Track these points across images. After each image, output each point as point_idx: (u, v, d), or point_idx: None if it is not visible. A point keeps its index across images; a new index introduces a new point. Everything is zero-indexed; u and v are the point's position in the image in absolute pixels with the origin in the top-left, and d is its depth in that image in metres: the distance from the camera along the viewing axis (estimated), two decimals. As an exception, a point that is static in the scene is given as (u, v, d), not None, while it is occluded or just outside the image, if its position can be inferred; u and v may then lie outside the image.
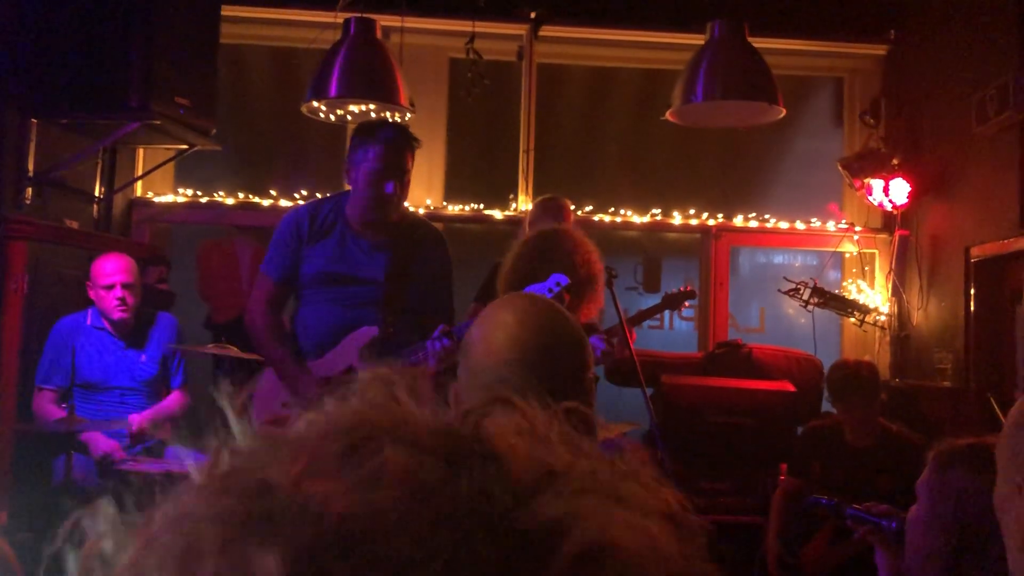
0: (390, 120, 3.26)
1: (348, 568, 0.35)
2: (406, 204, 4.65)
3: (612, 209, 5.57)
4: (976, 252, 4.58)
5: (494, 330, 1.50)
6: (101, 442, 3.76)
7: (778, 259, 6.04)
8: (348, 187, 3.18)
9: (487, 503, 0.37)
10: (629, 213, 5.57)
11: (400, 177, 3.07)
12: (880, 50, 5.58)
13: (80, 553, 0.41)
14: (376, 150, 3.04)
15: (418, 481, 0.37)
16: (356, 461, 0.38)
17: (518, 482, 0.38)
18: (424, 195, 5.51)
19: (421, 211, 5.34)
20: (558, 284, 2.93)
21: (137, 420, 3.85)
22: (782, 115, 4.17)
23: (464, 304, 3.85)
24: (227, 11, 4.76)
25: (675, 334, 5.99)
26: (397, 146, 3.05)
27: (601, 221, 5.54)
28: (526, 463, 0.39)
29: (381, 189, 3.04)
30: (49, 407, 3.90)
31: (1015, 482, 1.03)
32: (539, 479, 0.39)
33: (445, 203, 5.55)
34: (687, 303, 4.43)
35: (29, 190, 4.21)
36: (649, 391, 4.54)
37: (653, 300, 4.86)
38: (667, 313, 5.90)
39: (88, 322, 3.98)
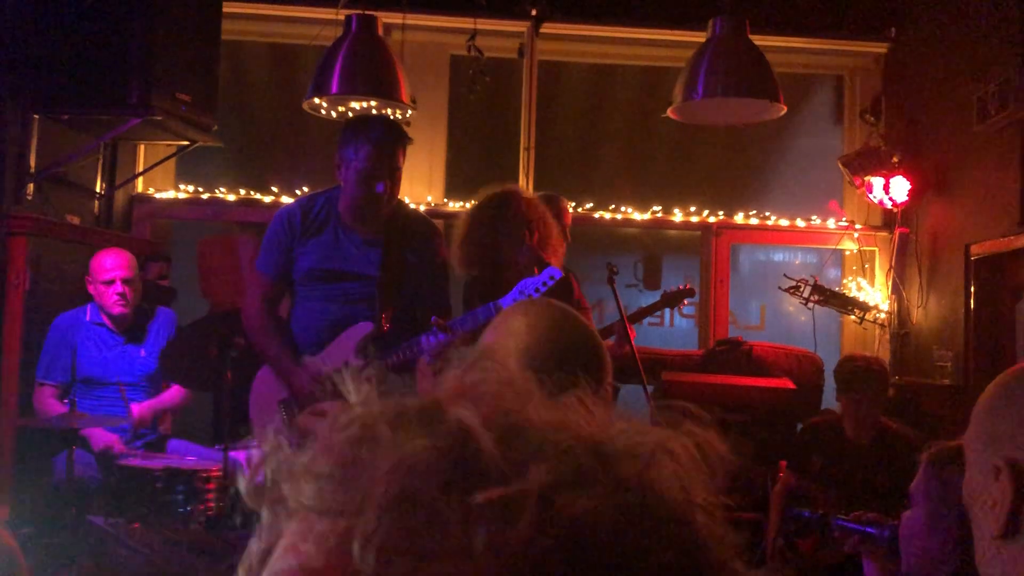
0: (381, 116, 3.22)
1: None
2: (403, 198, 4.67)
3: (612, 206, 5.58)
4: (976, 250, 4.58)
5: (506, 338, 1.45)
6: (101, 436, 3.77)
7: (778, 257, 6.04)
8: (340, 182, 3.17)
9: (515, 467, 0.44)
10: (629, 210, 5.58)
11: (390, 175, 3.04)
12: (881, 48, 5.59)
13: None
14: (365, 150, 3.01)
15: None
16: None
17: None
18: (425, 192, 5.51)
19: (422, 208, 5.34)
20: (552, 278, 2.93)
21: (138, 409, 3.86)
22: (783, 112, 4.17)
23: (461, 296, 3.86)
24: (228, 7, 4.76)
25: (675, 331, 6.00)
26: (387, 145, 3.02)
27: (602, 218, 5.55)
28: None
29: (371, 188, 3.02)
30: (50, 402, 3.90)
31: (992, 466, 1.02)
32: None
33: (446, 200, 5.56)
34: (686, 301, 4.44)
35: (30, 186, 4.21)
36: (649, 388, 4.56)
37: (653, 297, 4.87)
38: (667, 310, 5.91)
39: (87, 318, 3.98)
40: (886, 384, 3.80)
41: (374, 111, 4.57)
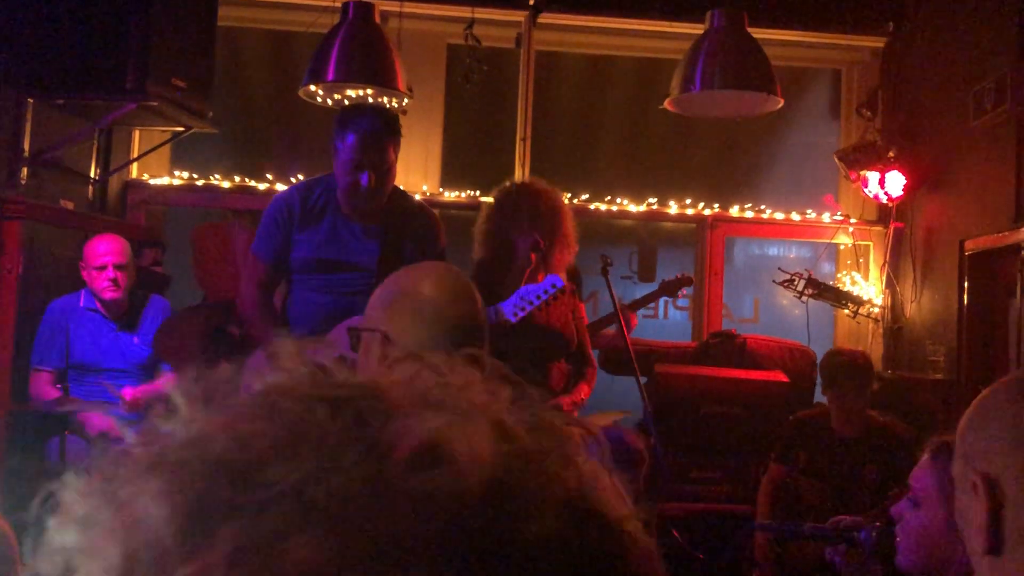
0: (372, 106, 3.17)
1: (229, 493, 0.39)
2: (402, 188, 4.66)
3: (608, 198, 5.57)
4: (970, 245, 4.59)
5: (423, 305, 1.72)
6: (98, 420, 3.76)
7: (773, 250, 6.05)
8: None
9: (359, 428, 0.41)
10: (625, 202, 5.58)
11: (377, 168, 2.97)
12: (878, 43, 5.58)
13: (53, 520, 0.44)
14: (351, 140, 2.96)
15: (299, 418, 0.41)
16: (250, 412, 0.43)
17: (395, 408, 0.42)
18: (420, 181, 5.50)
19: (417, 197, 5.33)
20: (553, 286, 2.92)
21: (130, 392, 3.84)
22: (780, 106, 4.17)
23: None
24: (225, -7, 4.74)
25: (669, 323, 6.01)
26: (372, 137, 2.96)
27: (597, 210, 5.54)
28: (404, 392, 0.43)
29: (356, 179, 2.97)
30: (45, 388, 3.90)
31: (971, 482, 1.03)
32: (414, 404, 0.43)
33: (441, 189, 5.55)
34: (683, 291, 4.46)
35: (24, 170, 4.19)
36: (643, 380, 4.57)
37: (648, 289, 4.89)
38: (662, 302, 5.94)
39: (81, 303, 3.97)
40: (870, 378, 3.81)
41: (370, 99, 4.56)
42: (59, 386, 3.84)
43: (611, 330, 4.39)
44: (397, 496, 0.39)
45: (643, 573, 0.44)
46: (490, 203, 3.69)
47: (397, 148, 3.08)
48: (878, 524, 1.87)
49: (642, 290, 4.98)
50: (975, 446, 1.04)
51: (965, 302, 4.61)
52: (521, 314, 2.93)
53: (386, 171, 3.01)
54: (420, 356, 0.47)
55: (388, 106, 3.25)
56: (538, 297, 2.92)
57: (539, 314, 3.44)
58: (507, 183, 3.74)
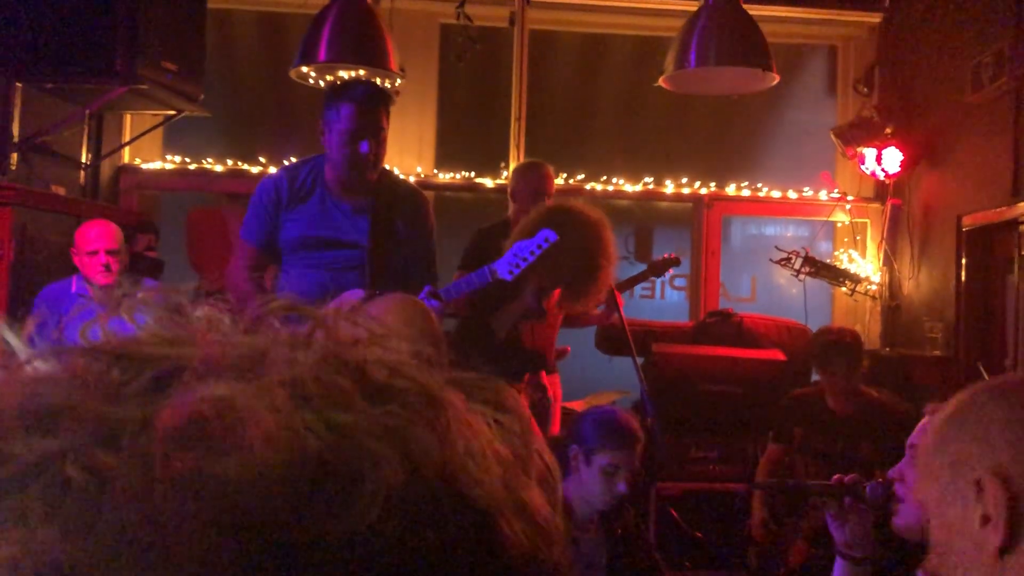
0: (361, 79, 3.17)
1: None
2: (389, 167, 4.62)
3: (604, 178, 5.55)
4: (968, 221, 4.57)
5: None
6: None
7: (770, 229, 6.03)
8: (325, 149, 3.12)
9: (152, 394, 0.35)
10: (621, 182, 5.55)
11: (375, 135, 2.97)
12: (874, 18, 5.54)
13: None
14: (348, 108, 2.95)
15: (93, 379, 0.35)
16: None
17: (202, 371, 0.36)
18: (415, 163, 5.47)
19: (412, 178, 5.30)
20: (546, 240, 2.92)
21: None
22: (775, 82, 4.14)
23: (452, 270, 3.84)
24: (215, -25, 4.70)
25: (666, 303, 5.99)
26: (369, 104, 2.96)
27: (593, 190, 5.51)
28: (224, 357, 0.37)
29: (356, 148, 2.96)
30: (36, 374, 3.88)
31: (972, 481, 1.02)
32: (225, 368, 0.36)
33: (436, 171, 5.52)
34: (671, 270, 4.46)
35: (14, 156, 4.16)
36: (640, 360, 4.56)
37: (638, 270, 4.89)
38: (658, 282, 5.92)
39: (73, 289, 3.94)
40: (860, 355, 3.79)
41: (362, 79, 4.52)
42: None
43: (598, 310, 4.37)
44: (160, 480, 0.32)
45: None
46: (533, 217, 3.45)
47: (388, 118, 3.06)
48: (881, 480, 1.87)
49: (638, 270, 4.96)
50: (968, 450, 1.03)
51: (963, 278, 4.60)
52: (516, 271, 2.92)
53: (383, 139, 3.02)
54: (304, 307, 0.42)
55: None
56: (532, 253, 2.92)
57: (525, 334, 3.43)
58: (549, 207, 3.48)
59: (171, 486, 0.32)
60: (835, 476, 1.98)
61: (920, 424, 1.68)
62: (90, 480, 0.32)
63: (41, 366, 0.38)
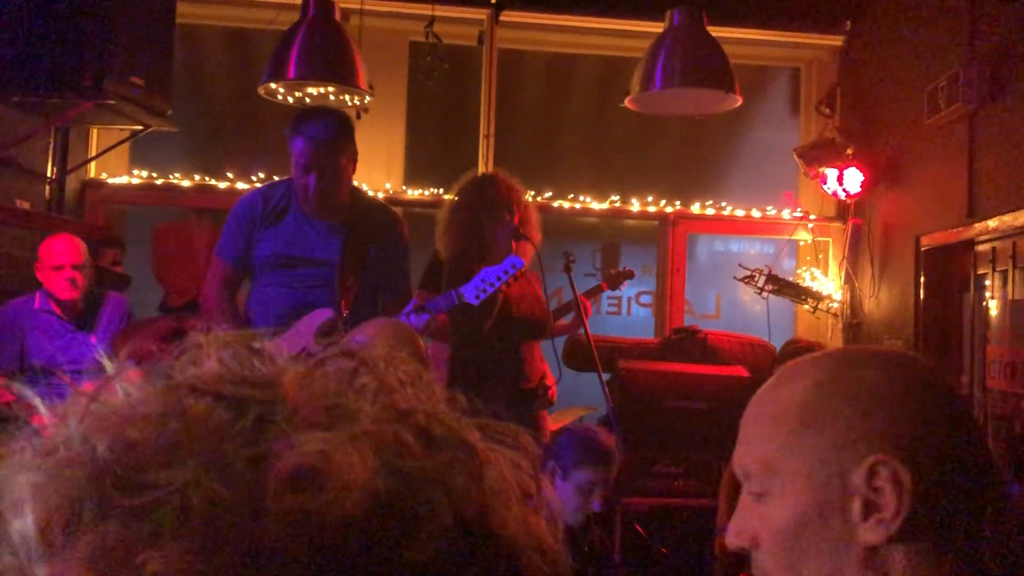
0: (320, 109, 3.20)
1: (111, 494, 0.39)
2: (362, 185, 4.62)
3: (571, 195, 5.60)
4: (926, 241, 4.67)
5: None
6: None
7: (736, 246, 6.11)
8: None
9: (256, 433, 0.41)
10: (588, 199, 5.60)
11: (327, 168, 3.03)
12: (836, 41, 5.65)
13: None
14: (299, 143, 3.03)
15: (199, 419, 0.41)
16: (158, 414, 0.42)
17: (295, 415, 0.42)
18: (383, 179, 5.49)
19: (380, 195, 5.32)
20: (513, 266, 2.97)
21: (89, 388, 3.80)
22: (739, 104, 4.21)
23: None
24: (184, -10, 4.70)
25: (633, 319, 6.05)
26: (319, 143, 3.01)
27: (560, 207, 5.57)
28: (310, 398, 0.43)
29: (305, 182, 3.04)
30: (-1, 390, 3.84)
31: (866, 467, 0.87)
32: (316, 413, 0.42)
33: (405, 187, 5.54)
34: (625, 282, 4.61)
35: (-22, 169, 4.13)
36: (606, 376, 4.60)
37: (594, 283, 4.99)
38: (624, 299, 5.99)
39: (36, 305, 3.91)
40: None
41: (332, 97, 4.54)
42: (13, 389, 3.78)
43: (565, 321, 4.43)
44: (271, 513, 0.39)
45: None
46: (453, 199, 3.71)
47: (348, 150, 3.10)
48: None
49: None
50: (856, 427, 0.88)
51: (921, 297, 4.69)
52: (483, 296, 2.97)
53: (336, 174, 3.05)
54: (356, 353, 0.47)
55: (339, 109, 3.27)
56: (498, 279, 2.97)
57: (504, 301, 3.48)
58: (466, 177, 3.79)
59: (277, 520, 0.39)
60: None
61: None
62: (208, 509, 0.39)
63: (148, 396, 0.43)
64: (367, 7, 5.01)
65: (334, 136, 3.04)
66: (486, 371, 3.53)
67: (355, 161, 3.19)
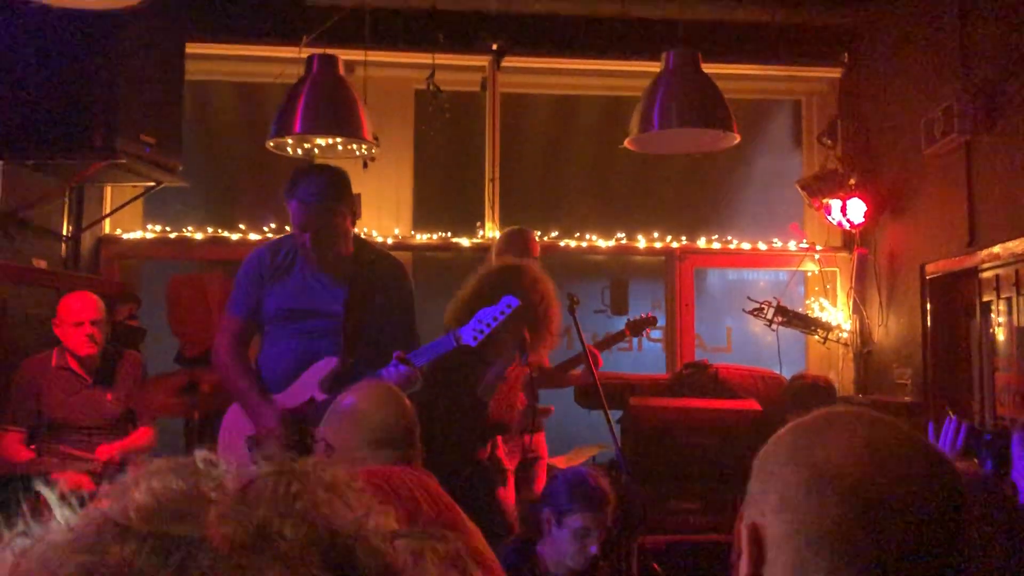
0: (314, 170, 3.24)
1: None
2: (371, 231, 4.69)
3: (578, 234, 5.66)
4: (931, 269, 4.69)
5: (355, 415, 2.20)
6: (71, 478, 3.77)
7: (747, 276, 6.12)
8: None
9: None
10: (594, 237, 5.66)
11: (319, 230, 3.09)
12: (835, 73, 5.72)
13: None
14: (294, 205, 3.11)
15: (121, 565, 0.44)
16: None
17: (216, 558, 0.45)
18: (392, 224, 5.57)
19: (390, 240, 5.40)
20: (508, 306, 3.02)
21: (106, 451, 3.86)
22: (737, 141, 4.27)
23: (433, 330, 3.88)
24: (192, 48, 4.82)
25: (644, 355, 6.07)
26: (311, 205, 3.08)
27: (567, 246, 5.62)
28: (233, 536, 0.46)
29: (303, 241, 3.12)
30: (17, 448, 3.90)
31: (746, 527, 0.96)
32: (243, 547, 0.45)
33: (413, 232, 5.62)
34: (648, 330, 4.60)
35: (-4, 231, 4.23)
36: (619, 413, 4.63)
37: (621, 322, 4.99)
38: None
39: (54, 363, 3.99)
40: (833, 401, 3.87)
41: (339, 147, 4.64)
42: (32, 446, 3.86)
43: (579, 371, 4.48)
44: None
45: None
46: (477, 279, 3.53)
47: (343, 208, 3.15)
48: None
49: (616, 323, 5.07)
50: (754, 492, 0.98)
51: (928, 325, 4.70)
52: (480, 337, 3.02)
53: (331, 232, 3.12)
54: (287, 467, 0.50)
55: (333, 167, 3.32)
56: (495, 319, 3.02)
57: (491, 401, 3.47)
58: (496, 263, 3.61)
59: None
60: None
61: None
62: None
63: (79, 536, 0.46)
64: (371, 58, 5.11)
65: (326, 197, 3.11)
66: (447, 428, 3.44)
67: (355, 214, 3.25)
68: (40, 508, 0.52)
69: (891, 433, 0.94)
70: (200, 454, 0.51)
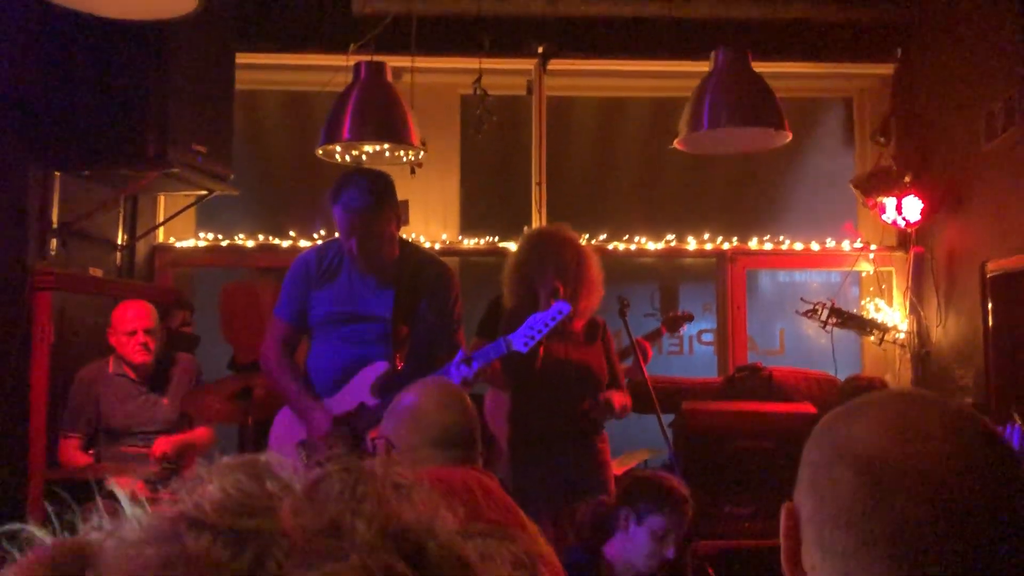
0: (360, 177, 3.26)
1: None
2: (419, 237, 4.69)
3: (627, 237, 5.61)
4: (992, 267, 4.57)
5: (416, 414, 2.16)
6: (126, 484, 3.82)
7: (800, 277, 6.03)
8: None
9: (255, 570, 0.43)
10: (644, 240, 5.61)
11: (364, 236, 3.11)
12: (887, 69, 5.60)
13: None
14: (338, 212, 3.14)
15: (196, 556, 0.44)
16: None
17: (293, 551, 0.44)
18: (440, 230, 5.58)
19: (437, 246, 5.41)
20: (560, 312, 2.99)
21: (161, 444, 3.90)
22: (788, 140, 4.20)
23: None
24: (242, 58, 4.87)
25: (695, 359, 6.00)
26: (355, 211, 3.10)
27: (616, 249, 5.58)
28: (307, 530, 0.45)
29: (349, 246, 3.13)
30: (75, 454, 3.97)
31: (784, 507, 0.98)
32: (312, 546, 0.44)
33: (460, 237, 5.62)
34: (685, 325, 4.62)
35: (53, 241, 4.31)
36: (671, 417, 4.58)
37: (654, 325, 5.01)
38: (686, 338, 5.95)
39: (110, 370, 4.05)
40: None
41: (387, 154, 4.66)
42: (90, 452, 3.92)
43: (627, 365, 4.43)
44: None
45: None
46: (514, 252, 3.75)
47: (387, 213, 3.15)
48: None
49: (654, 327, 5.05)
50: (799, 474, 0.98)
51: (990, 324, 4.58)
52: (531, 343, 3.00)
53: (376, 237, 3.12)
54: (354, 466, 0.50)
55: (377, 172, 3.33)
56: (546, 325, 3.00)
57: (560, 351, 3.47)
58: (529, 231, 3.80)
59: None
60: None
61: None
62: None
63: (154, 529, 0.46)
64: (418, 64, 5.13)
65: (370, 204, 3.12)
66: (545, 416, 3.52)
67: (399, 219, 3.26)
68: (101, 511, 0.51)
69: (932, 410, 0.89)
70: (266, 455, 0.51)
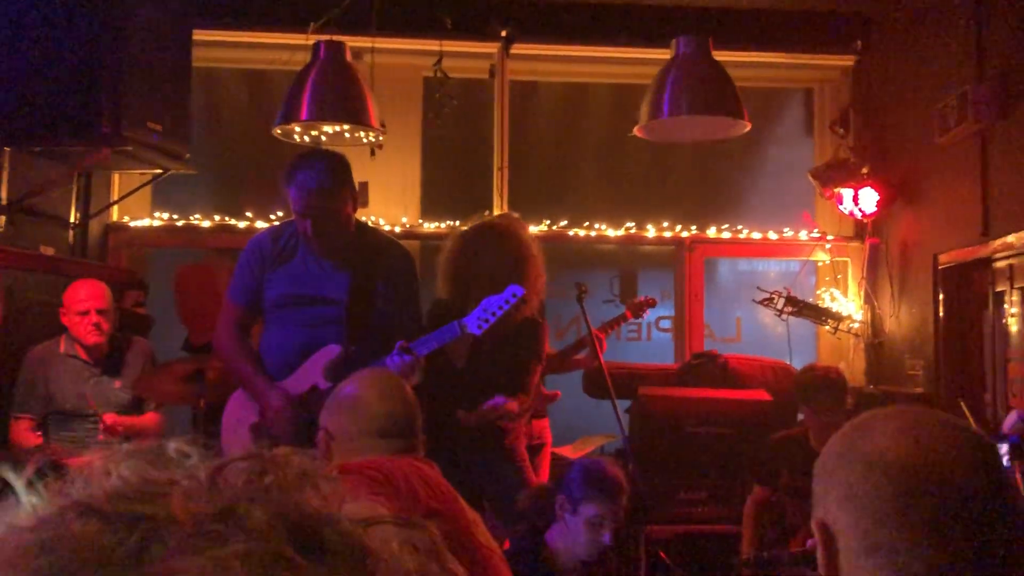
0: (315, 157, 3.20)
1: None
2: (378, 219, 4.66)
3: (587, 223, 5.62)
4: (943, 259, 4.64)
5: (356, 405, 2.16)
6: (79, 464, 3.76)
7: (759, 266, 6.08)
8: None
9: (139, 555, 0.43)
10: (604, 227, 5.62)
11: (318, 217, 3.06)
12: (848, 61, 5.66)
13: None
14: (292, 192, 3.07)
15: (81, 543, 0.43)
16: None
17: (176, 534, 0.43)
18: (400, 213, 5.55)
19: (397, 229, 5.38)
20: (514, 295, 2.99)
21: (112, 417, 3.84)
22: (747, 129, 4.23)
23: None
24: (199, 35, 4.79)
25: (653, 345, 6.04)
26: (311, 190, 3.04)
27: (576, 235, 5.59)
28: (199, 514, 0.44)
29: (304, 228, 3.08)
30: (26, 435, 3.90)
31: (816, 522, 1.09)
32: (196, 531, 0.44)
33: (421, 220, 5.59)
34: (648, 310, 4.62)
35: (3, 218, 4.23)
36: (627, 403, 4.60)
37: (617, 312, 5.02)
38: (644, 324, 5.99)
39: (61, 350, 3.98)
40: (844, 392, 3.82)
41: (346, 135, 4.61)
42: (39, 433, 3.85)
43: (583, 355, 4.45)
44: None
45: None
46: (454, 242, 3.62)
47: (342, 193, 3.11)
48: None
49: (615, 313, 5.06)
50: (818, 493, 1.11)
51: (941, 315, 4.66)
52: (485, 326, 2.98)
53: (331, 218, 3.07)
54: (262, 455, 0.49)
55: (332, 152, 3.29)
56: (500, 308, 2.98)
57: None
58: (470, 224, 3.67)
59: None
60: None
61: None
62: None
63: (43, 518, 0.45)
64: (378, 45, 5.08)
65: (325, 185, 3.06)
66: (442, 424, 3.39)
67: (355, 201, 3.21)
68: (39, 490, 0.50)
69: (930, 420, 1.10)
70: (173, 443, 0.49)
